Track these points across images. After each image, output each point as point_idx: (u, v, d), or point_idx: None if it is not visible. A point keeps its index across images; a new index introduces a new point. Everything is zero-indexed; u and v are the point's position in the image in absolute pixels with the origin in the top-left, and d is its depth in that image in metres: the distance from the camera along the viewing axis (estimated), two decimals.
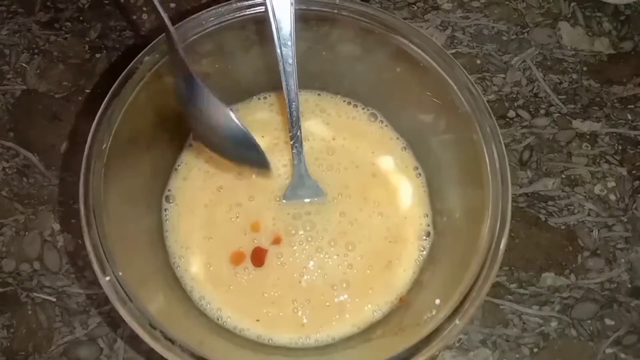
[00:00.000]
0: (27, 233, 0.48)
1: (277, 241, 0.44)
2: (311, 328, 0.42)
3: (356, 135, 0.47)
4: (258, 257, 0.43)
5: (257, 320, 0.42)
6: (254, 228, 0.44)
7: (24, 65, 0.53)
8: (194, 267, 0.43)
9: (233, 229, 0.44)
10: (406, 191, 0.46)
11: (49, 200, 0.49)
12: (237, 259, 0.43)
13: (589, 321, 0.47)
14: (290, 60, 0.40)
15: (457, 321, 0.34)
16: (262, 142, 0.47)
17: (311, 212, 0.45)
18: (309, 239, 0.44)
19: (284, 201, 0.45)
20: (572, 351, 0.46)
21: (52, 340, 0.45)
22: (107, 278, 0.34)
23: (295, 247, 0.44)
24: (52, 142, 0.51)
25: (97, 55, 0.54)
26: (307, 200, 0.45)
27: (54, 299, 0.46)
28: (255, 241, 0.44)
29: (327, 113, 0.48)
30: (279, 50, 0.40)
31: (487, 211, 0.37)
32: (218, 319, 0.42)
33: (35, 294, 0.46)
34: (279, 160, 0.46)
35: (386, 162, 0.47)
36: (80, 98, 0.52)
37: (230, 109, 0.35)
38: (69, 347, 0.45)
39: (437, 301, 0.37)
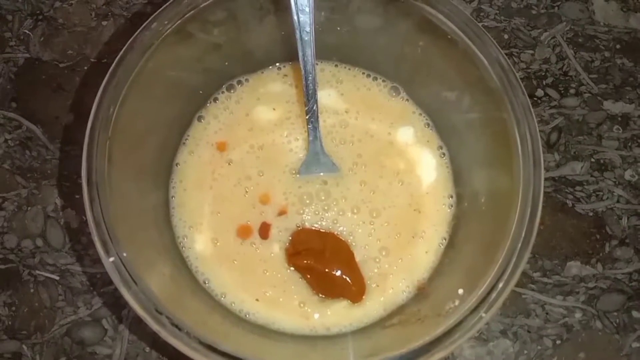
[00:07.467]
0: (29, 208, 0.46)
1: (282, 213, 0.42)
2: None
3: (373, 108, 0.45)
4: (264, 230, 0.42)
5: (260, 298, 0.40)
6: (263, 200, 0.42)
7: (27, 32, 0.51)
8: (200, 244, 0.42)
9: (242, 203, 0.42)
10: (428, 165, 0.44)
11: (52, 175, 0.47)
12: (244, 232, 0.42)
13: (615, 313, 0.45)
14: (307, 29, 0.37)
15: (482, 314, 0.32)
16: (274, 115, 0.45)
17: (328, 182, 0.43)
18: (326, 207, 0.42)
19: (299, 176, 0.43)
20: (597, 344, 0.44)
21: (54, 320, 0.44)
22: (111, 259, 0.32)
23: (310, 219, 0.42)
24: (56, 113, 0.49)
25: (104, 23, 0.51)
26: (321, 174, 0.43)
27: (57, 277, 0.45)
28: (263, 214, 0.42)
29: (344, 84, 0.46)
30: (295, 17, 0.37)
31: (516, 196, 0.34)
32: (224, 302, 0.41)
33: (37, 272, 0.45)
34: (291, 134, 0.44)
35: (405, 132, 0.44)
36: (85, 67, 0.50)
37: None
38: (72, 328, 0.44)
39: (460, 291, 0.35)
